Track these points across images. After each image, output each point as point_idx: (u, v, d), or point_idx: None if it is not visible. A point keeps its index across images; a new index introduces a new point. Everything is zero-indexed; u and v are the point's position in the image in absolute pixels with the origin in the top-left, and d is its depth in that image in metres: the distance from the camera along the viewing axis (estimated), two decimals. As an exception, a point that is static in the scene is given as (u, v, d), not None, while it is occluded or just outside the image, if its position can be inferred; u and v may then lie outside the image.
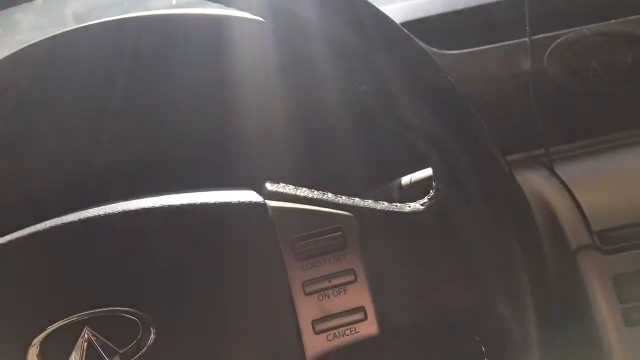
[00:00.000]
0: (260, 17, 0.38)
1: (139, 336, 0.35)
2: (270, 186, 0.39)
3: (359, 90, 0.38)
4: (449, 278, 0.37)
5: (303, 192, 0.39)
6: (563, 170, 0.61)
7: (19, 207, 0.40)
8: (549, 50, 0.67)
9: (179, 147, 0.55)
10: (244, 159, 0.53)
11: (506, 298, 0.37)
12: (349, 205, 0.38)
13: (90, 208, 0.37)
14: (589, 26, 0.67)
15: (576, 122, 0.66)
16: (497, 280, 0.37)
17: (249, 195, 0.38)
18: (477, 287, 0.37)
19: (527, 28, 0.64)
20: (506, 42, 0.68)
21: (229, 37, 0.54)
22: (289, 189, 0.39)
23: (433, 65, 0.37)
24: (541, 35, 0.67)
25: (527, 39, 0.66)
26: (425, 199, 0.39)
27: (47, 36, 0.56)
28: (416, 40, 0.37)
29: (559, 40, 0.67)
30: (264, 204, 0.37)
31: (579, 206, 0.58)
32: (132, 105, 0.56)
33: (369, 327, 0.37)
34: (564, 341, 0.43)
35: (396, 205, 0.39)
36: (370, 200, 0.39)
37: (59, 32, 0.57)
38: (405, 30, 0.37)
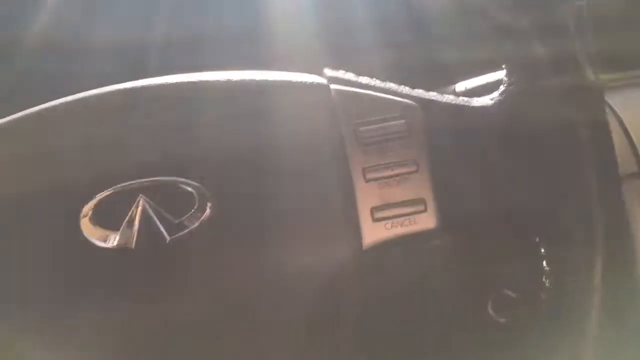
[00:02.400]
0: None
1: (194, 209, 0.34)
2: (330, 72, 0.38)
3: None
4: (514, 175, 0.36)
5: (364, 79, 0.38)
6: (613, 98, 0.59)
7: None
8: (606, -25, 0.64)
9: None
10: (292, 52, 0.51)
11: (572, 199, 0.36)
12: (413, 96, 0.37)
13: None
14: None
15: (630, 51, 0.64)
16: (566, 180, 0.36)
17: (311, 77, 0.36)
18: (543, 186, 0.36)
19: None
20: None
21: None
22: (350, 75, 0.38)
23: None
24: (600, -41, 0.64)
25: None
26: (496, 94, 0.37)
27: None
28: None
29: (618, -35, 0.64)
30: (327, 86, 0.36)
31: (627, 134, 0.57)
32: None
33: (427, 220, 0.36)
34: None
35: (462, 99, 0.37)
36: (434, 93, 0.38)
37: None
38: None
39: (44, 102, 0.35)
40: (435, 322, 0.47)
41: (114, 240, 0.33)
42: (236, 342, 0.36)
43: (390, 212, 0.35)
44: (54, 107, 0.35)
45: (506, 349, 0.44)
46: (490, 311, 0.46)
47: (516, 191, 0.36)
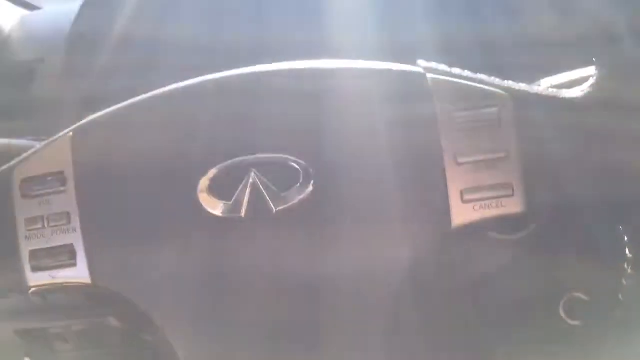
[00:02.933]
0: None
1: (299, 184, 0.37)
2: (423, 62, 0.40)
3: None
4: (601, 166, 0.38)
5: (457, 70, 0.40)
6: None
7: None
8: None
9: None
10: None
11: None
12: (504, 86, 0.39)
13: None
14: None
15: None
16: None
17: (409, 66, 0.39)
18: (632, 178, 0.37)
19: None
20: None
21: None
22: (442, 66, 0.40)
23: None
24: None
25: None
26: (586, 86, 0.38)
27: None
28: None
29: None
30: (424, 74, 0.38)
31: None
32: None
33: (514, 204, 0.38)
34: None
35: (552, 90, 0.39)
36: (523, 84, 0.40)
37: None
38: None
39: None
40: (506, 316, 0.49)
41: (226, 209, 0.37)
42: (326, 312, 0.39)
43: (479, 195, 0.37)
44: (175, 90, 0.39)
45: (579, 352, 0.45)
46: (562, 313, 0.47)
47: (604, 182, 0.37)
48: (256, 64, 0.40)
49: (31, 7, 0.89)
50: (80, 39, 0.59)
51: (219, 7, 0.61)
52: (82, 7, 0.60)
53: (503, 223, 0.40)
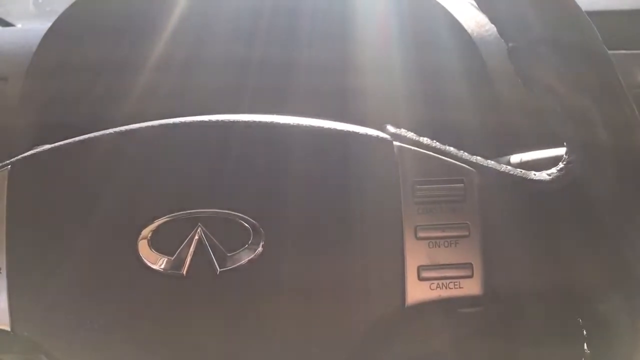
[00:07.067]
0: None
1: (247, 244, 0.35)
2: (392, 129, 0.39)
3: (507, 47, 0.37)
4: (566, 253, 0.36)
5: (426, 140, 0.38)
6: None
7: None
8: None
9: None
10: (363, 102, 0.53)
11: (623, 285, 0.36)
12: (472, 162, 0.37)
13: None
14: None
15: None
16: (617, 264, 0.36)
17: (376, 132, 0.37)
18: (594, 268, 0.36)
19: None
20: (623, 51, 0.66)
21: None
22: (411, 134, 0.38)
23: (592, 33, 0.35)
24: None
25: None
26: (554, 170, 0.37)
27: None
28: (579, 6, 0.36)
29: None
30: (391, 142, 0.37)
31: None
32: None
33: (472, 286, 0.36)
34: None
35: (520, 171, 0.38)
36: (492, 162, 0.38)
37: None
38: None
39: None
40: None
41: (167, 265, 0.34)
42: None
43: (437, 273, 0.35)
44: (131, 132, 0.36)
45: None
46: None
47: (565, 270, 0.36)
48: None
49: (4, 24, 0.87)
50: (42, 63, 0.57)
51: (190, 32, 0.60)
52: (49, 31, 0.58)
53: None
